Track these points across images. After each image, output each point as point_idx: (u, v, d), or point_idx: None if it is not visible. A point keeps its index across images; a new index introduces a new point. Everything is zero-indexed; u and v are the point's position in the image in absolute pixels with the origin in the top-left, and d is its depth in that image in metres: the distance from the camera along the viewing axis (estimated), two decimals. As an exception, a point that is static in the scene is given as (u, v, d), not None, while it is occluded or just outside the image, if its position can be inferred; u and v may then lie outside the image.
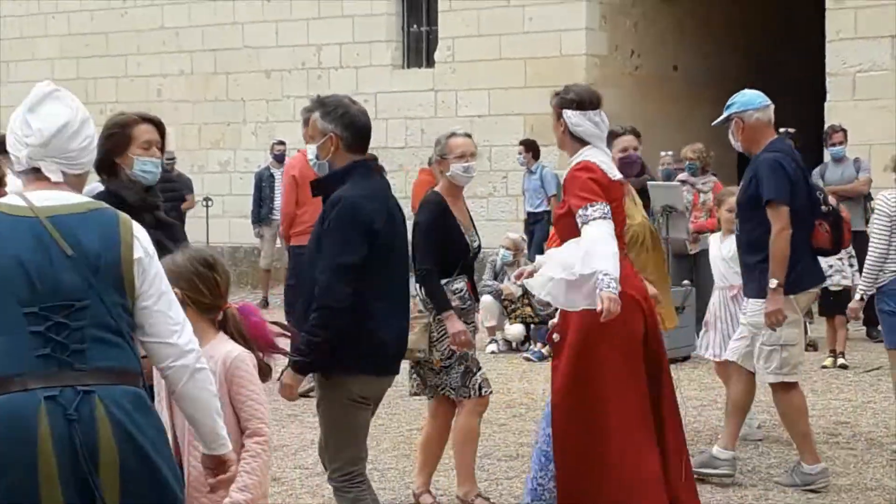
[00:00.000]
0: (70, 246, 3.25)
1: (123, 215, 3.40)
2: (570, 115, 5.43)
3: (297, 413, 8.44)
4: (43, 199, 3.32)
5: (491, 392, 6.35)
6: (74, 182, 3.42)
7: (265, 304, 14.93)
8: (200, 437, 3.52)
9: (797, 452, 6.76)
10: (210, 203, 15.52)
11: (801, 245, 6.44)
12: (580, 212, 5.22)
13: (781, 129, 12.56)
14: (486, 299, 11.24)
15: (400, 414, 8.64)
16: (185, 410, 3.47)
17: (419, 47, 16.75)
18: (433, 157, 6.72)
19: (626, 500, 5.33)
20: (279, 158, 15.01)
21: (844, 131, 12.20)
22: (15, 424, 3.13)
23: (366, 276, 4.75)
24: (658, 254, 7.10)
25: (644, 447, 5.38)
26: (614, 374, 5.33)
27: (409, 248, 5.74)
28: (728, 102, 6.63)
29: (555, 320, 5.67)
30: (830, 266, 10.34)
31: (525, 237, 13.23)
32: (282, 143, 15.47)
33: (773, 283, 6.34)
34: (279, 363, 4.41)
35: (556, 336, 5.44)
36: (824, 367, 10.31)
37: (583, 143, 5.43)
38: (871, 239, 7.10)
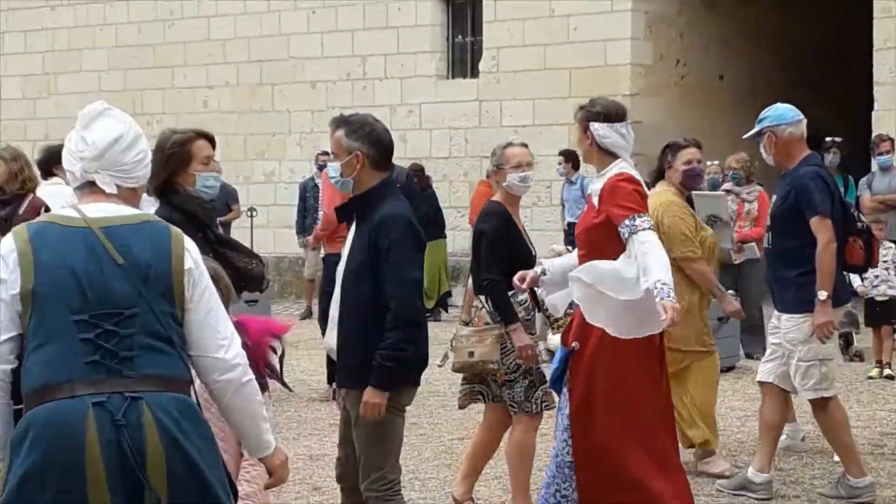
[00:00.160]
0: (121, 255, 3.32)
1: (174, 228, 3.47)
2: (598, 128, 5.44)
3: (337, 423, 8.47)
4: (96, 211, 3.40)
5: (551, 406, 6.20)
6: (128, 196, 3.49)
7: (309, 313, 15.00)
8: (246, 445, 3.60)
9: (842, 464, 6.72)
10: (255, 213, 15.63)
11: (838, 261, 6.42)
12: (626, 222, 5.21)
13: (828, 139, 12.55)
14: (528, 309, 11.23)
15: (442, 424, 8.66)
16: (230, 420, 3.53)
17: (464, 58, 16.80)
18: (490, 167, 6.73)
19: None
20: (324, 169, 15.08)
21: (892, 140, 12.13)
22: (63, 430, 3.19)
23: None
24: (714, 265, 7.23)
25: (667, 454, 5.39)
26: (636, 383, 5.34)
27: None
28: (760, 116, 6.61)
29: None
30: (877, 276, 10.28)
31: (569, 248, 13.22)
32: (326, 153, 15.52)
33: (822, 294, 6.31)
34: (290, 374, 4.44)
35: (575, 344, 5.42)
36: (870, 377, 10.24)
37: (611, 155, 5.45)
38: None
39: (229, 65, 18.04)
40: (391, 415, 4.94)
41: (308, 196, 15.22)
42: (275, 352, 4.40)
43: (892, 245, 10.50)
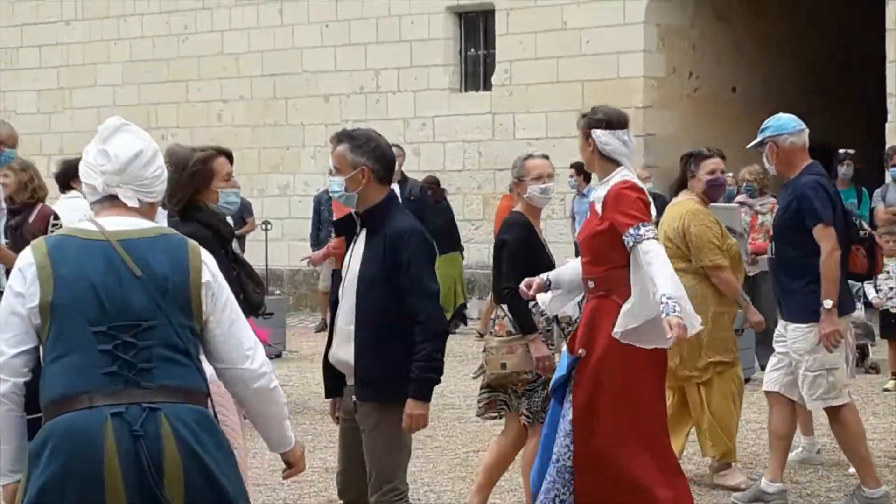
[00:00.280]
0: (139, 268, 3.35)
1: (191, 241, 3.51)
2: (600, 135, 5.46)
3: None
4: (114, 225, 3.44)
5: None
6: (147, 211, 3.54)
7: (323, 326, 15.01)
8: (269, 443, 3.69)
9: (857, 476, 6.70)
10: (269, 226, 15.65)
11: (842, 270, 6.42)
12: (631, 231, 5.22)
13: (841, 151, 12.53)
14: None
15: (457, 436, 8.66)
16: (257, 423, 3.62)
17: (476, 71, 16.83)
18: (511, 179, 6.76)
19: None
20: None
21: (906, 152, 12.09)
22: (81, 441, 3.21)
23: None
24: (739, 275, 7.25)
25: (668, 458, 5.42)
26: (643, 388, 5.36)
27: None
28: (762, 126, 6.62)
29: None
30: (891, 288, 10.26)
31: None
32: (340, 166, 15.57)
33: (827, 303, 6.31)
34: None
35: (581, 351, 5.43)
36: (886, 389, 10.21)
37: (613, 162, 5.47)
38: None
39: (243, 78, 18.10)
40: (401, 428, 4.96)
41: (322, 209, 15.23)
42: None
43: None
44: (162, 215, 5.00)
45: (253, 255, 14.60)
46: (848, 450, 6.68)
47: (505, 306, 6.18)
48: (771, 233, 6.79)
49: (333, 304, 5.17)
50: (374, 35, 17.09)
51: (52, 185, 8.73)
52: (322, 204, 15.30)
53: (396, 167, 12.69)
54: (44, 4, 19.57)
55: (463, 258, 14.93)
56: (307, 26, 17.54)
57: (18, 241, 8.09)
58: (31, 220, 8.40)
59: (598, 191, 5.52)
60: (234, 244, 5.22)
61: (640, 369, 5.32)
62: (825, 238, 6.33)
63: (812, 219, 6.35)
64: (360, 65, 17.21)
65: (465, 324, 14.67)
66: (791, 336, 6.53)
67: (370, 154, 4.98)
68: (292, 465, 3.76)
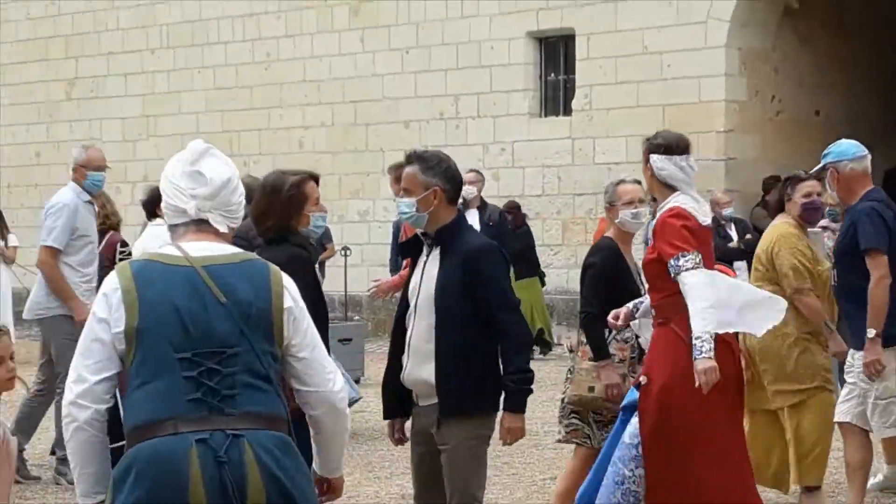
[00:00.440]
0: (223, 294, 3.37)
1: (273, 266, 3.53)
2: (656, 160, 5.53)
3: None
4: (197, 250, 3.46)
5: None
6: (227, 237, 3.57)
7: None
8: (325, 466, 3.71)
9: None
10: (349, 252, 15.76)
11: None
12: (672, 262, 5.31)
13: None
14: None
15: (534, 463, 8.64)
16: (322, 445, 3.63)
17: (556, 96, 16.83)
18: (604, 204, 6.81)
19: None
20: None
21: None
22: (167, 467, 3.25)
23: None
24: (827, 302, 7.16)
25: (747, 490, 5.41)
26: (703, 419, 5.35)
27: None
28: (824, 152, 6.65)
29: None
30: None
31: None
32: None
33: (870, 332, 6.31)
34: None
35: (643, 379, 5.47)
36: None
37: (670, 188, 5.52)
38: None
39: (324, 105, 18.25)
40: (485, 441, 5.06)
41: (402, 235, 15.32)
42: None
43: None
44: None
45: (332, 280, 14.71)
46: (850, 476, 6.65)
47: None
48: (833, 259, 6.76)
49: (397, 328, 5.19)
50: (454, 61, 17.16)
51: (136, 212, 8.87)
52: (401, 230, 15.39)
53: (475, 192, 12.87)
54: (129, 33, 19.92)
55: (544, 284, 14.88)
56: (388, 53, 17.66)
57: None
58: (100, 247, 8.57)
59: (657, 218, 5.59)
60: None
61: (692, 396, 5.30)
62: (874, 265, 6.31)
63: (864, 244, 6.33)
64: (439, 90, 17.28)
65: (550, 349, 14.60)
66: (858, 365, 6.49)
67: (441, 175, 5.05)
68: (334, 490, 3.80)
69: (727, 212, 13.46)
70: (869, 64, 17.03)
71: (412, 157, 5.13)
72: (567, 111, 16.57)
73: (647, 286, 5.66)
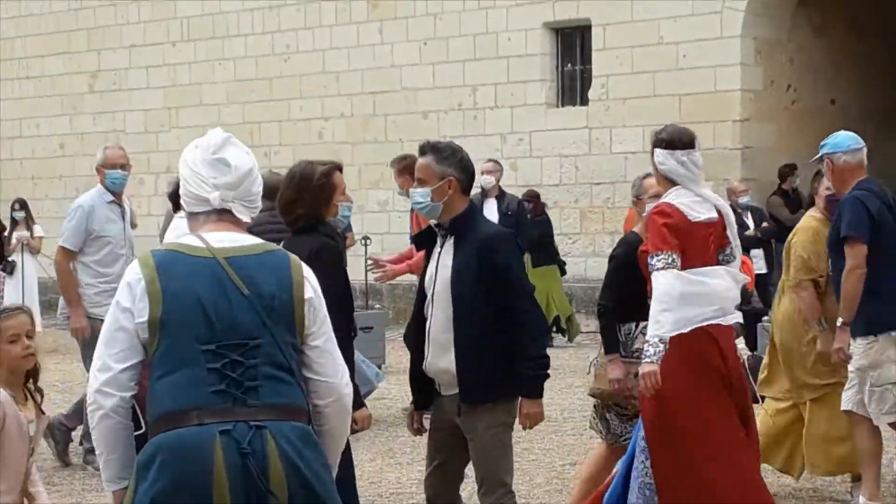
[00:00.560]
0: (246, 286, 3.36)
1: (294, 257, 3.51)
2: (658, 154, 5.53)
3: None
4: (219, 241, 3.42)
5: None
6: (245, 226, 3.54)
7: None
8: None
9: None
10: (369, 241, 15.76)
11: (889, 283, 6.36)
12: (648, 260, 5.38)
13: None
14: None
15: (553, 449, 8.64)
16: (326, 438, 3.55)
17: (573, 86, 16.80)
18: (632, 199, 6.79)
19: None
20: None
21: None
22: (192, 457, 3.25)
23: None
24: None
25: (748, 479, 5.39)
26: (693, 416, 5.37)
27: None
28: (822, 143, 6.69)
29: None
30: None
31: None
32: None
33: (838, 321, 6.38)
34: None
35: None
36: None
37: (671, 182, 5.52)
38: None
39: (343, 96, 18.26)
40: (509, 427, 5.08)
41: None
42: None
43: None
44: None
45: (353, 269, 14.65)
46: (863, 463, 6.60)
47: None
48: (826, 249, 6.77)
49: (417, 318, 5.21)
50: (471, 52, 17.14)
51: (158, 202, 8.88)
52: (421, 219, 15.39)
53: (494, 182, 12.86)
54: (151, 26, 19.96)
55: (564, 272, 14.87)
56: (406, 44, 17.65)
57: None
58: None
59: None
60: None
61: (686, 384, 5.37)
62: (851, 254, 6.35)
63: (843, 232, 6.38)
64: (457, 81, 17.27)
65: (565, 336, 14.58)
66: (854, 352, 6.48)
67: (456, 165, 5.07)
68: None
69: (744, 200, 13.42)
70: (884, 56, 16.96)
71: (426, 148, 5.14)
72: (584, 101, 16.54)
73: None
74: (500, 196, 13.01)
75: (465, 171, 5.08)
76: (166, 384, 3.31)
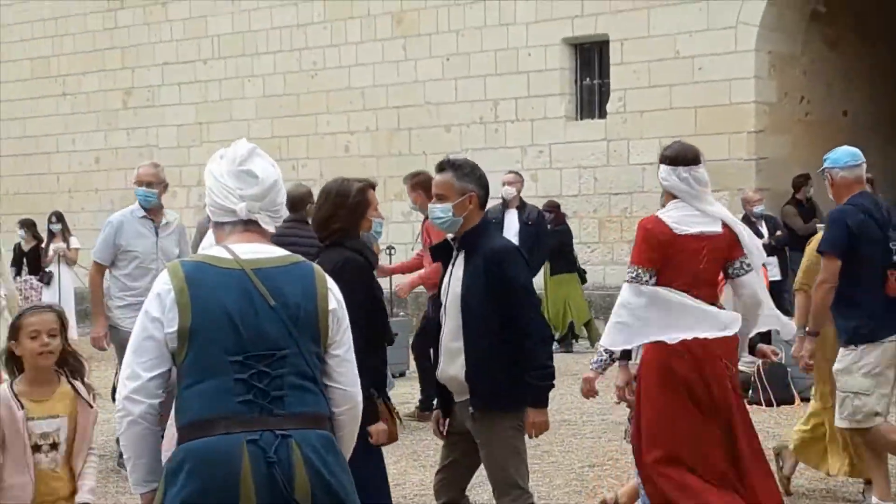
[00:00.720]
0: (273, 297, 3.35)
1: (318, 268, 3.50)
2: (661, 170, 5.61)
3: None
4: (247, 252, 3.41)
5: None
6: (269, 236, 3.54)
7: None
8: None
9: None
10: (393, 251, 15.80)
11: (875, 296, 6.37)
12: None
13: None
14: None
15: (573, 452, 8.64)
16: (341, 443, 3.56)
17: (592, 99, 16.80)
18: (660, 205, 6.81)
19: None
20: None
21: None
22: (220, 465, 3.25)
23: None
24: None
25: (681, 474, 5.44)
26: (654, 416, 5.48)
27: None
28: (825, 156, 6.75)
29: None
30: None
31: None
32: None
33: (802, 329, 6.56)
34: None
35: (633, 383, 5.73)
36: None
37: (673, 196, 5.59)
38: None
39: (369, 111, 18.31)
40: (520, 431, 5.08)
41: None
42: None
43: None
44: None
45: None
46: (870, 465, 6.64)
47: None
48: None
49: (436, 327, 5.25)
50: (492, 67, 17.17)
51: (190, 215, 8.89)
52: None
53: (515, 193, 12.87)
54: (183, 45, 20.06)
55: (584, 280, 14.87)
56: (429, 60, 17.70)
57: None
58: None
59: None
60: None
61: (660, 394, 5.47)
62: (823, 267, 6.45)
63: (819, 247, 6.50)
64: (479, 96, 17.30)
65: (577, 341, 14.57)
66: (837, 357, 6.57)
67: (476, 181, 5.14)
68: None
69: (758, 209, 13.39)
70: (893, 65, 16.91)
71: (446, 165, 5.19)
72: (602, 114, 16.54)
73: None
74: (521, 206, 13.02)
75: (484, 187, 5.16)
76: (194, 393, 3.32)
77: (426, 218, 10.01)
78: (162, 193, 8.33)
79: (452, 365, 5.10)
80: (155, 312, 3.36)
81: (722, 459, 5.48)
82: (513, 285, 4.98)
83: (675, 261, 5.45)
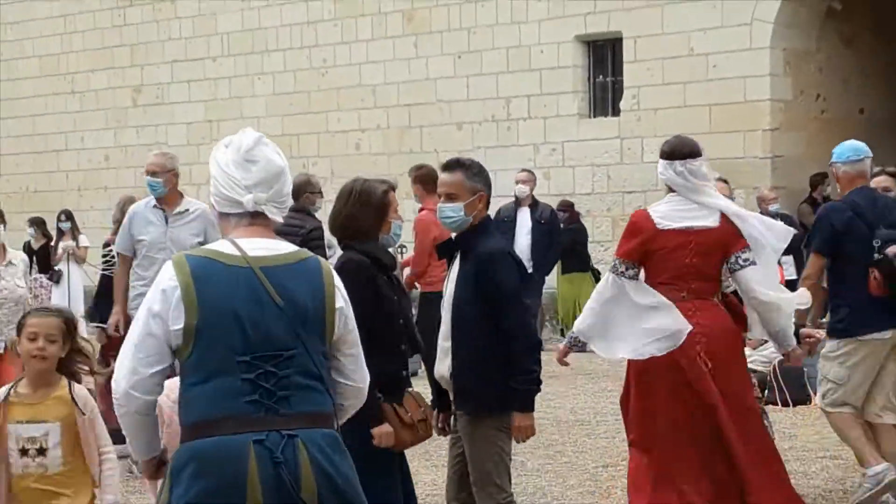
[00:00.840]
0: (280, 296, 3.31)
1: (326, 265, 3.46)
2: (660, 165, 5.68)
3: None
4: (254, 248, 3.36)
5: None
6: (274, 226, 3.49)
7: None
8: None
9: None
10: (404, 249, 15.80)
11: (858, 291, 6.45)
12: None
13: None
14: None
15: (587, 452, 8.62)
16: None
17: (605, 97, 16.77)
18: None
19: None
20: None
21: None
22: (227, 465, 3.24)
23: None
24: None
25: (660, 473, 5.50)
26: (629, 394, 5.65)
27: None
28: (833, 150, 6.85)
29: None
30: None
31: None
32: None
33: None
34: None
35: None
36: None
37: (670, 190, 5.65)
38: None
39: (380, 109, 18.30)
40: (502, 433, 5.08)
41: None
42: None
43: None
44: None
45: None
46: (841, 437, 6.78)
47: None
48: None
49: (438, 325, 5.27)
50: (504, 65, 17.15)
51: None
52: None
53: (528, 191, 12.86)
54: (192, 42, 20.08)
55: (598, 279, 14.84)
56: (440, 57, 17.68)
57: None
58: None
59: None
60: (398, 272, 5.28)
61: (641, 381, 5.58)
62: (808, 264, 6.63)
63: (805, 243, 6.74)
64: (491, 93, 17.28)
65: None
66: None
67: (484, 181, 5.19)
68: None
69: (773, 207, 13.36)
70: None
71: (454, 165, 5.22)
72: (615, 112, 16.51)
73: None
74: (534, 205, 13.01)
75: (489, 187, 5.22)
76: (200, 392, 3.29)
77: (421, 209, 10.06)
78: (171, 182, 8.26)
79: (443, 363, 5.16)
80: (158, 308, 3.31)
81: (702, 460, 5.49)
82: (501, 290, 4.99)
83: (658, 255, 5.53)
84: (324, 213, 18.22)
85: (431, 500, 7.32)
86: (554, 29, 16.70)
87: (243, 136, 3.47)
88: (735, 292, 5.78)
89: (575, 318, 14.16)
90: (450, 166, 5.22)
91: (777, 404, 9.98)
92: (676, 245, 5.51)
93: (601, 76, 16.78)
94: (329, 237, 6.24)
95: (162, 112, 20.39)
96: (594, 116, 16.75)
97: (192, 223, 8.17)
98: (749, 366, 6.04)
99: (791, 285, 12.80)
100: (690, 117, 15.47)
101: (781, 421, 9.29)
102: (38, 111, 21.82)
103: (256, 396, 3.27)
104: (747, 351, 5.91)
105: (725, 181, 6.33)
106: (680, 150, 5.59)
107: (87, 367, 4.68)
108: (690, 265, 5.52)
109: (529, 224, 12.70)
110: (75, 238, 15.63)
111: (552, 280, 14.34)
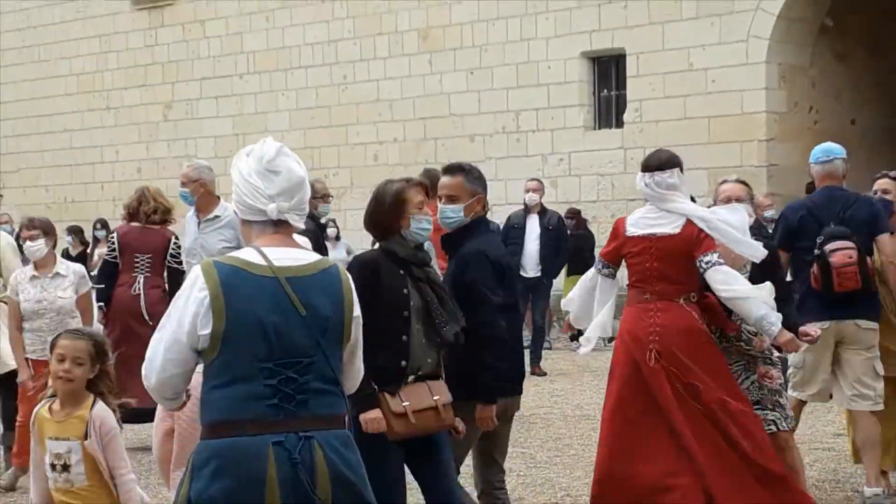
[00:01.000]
0: (303, 306, 3.29)
1: (345, 273, 3.43)
2: (638, 175, 5.79)
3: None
4: (280, 259, 3.32)
5: None
6: (294, 232, 3.48)
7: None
8: None
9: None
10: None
11: (806, 284, 6.57)
12: None
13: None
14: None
15: (592, 445, 8.57)
16: None
17: (609, 110, 16.77)
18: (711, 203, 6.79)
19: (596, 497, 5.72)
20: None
21: None
22: (247, 465, 3.23)
23: None
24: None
25: (605, 447, 5.67)
26: (613, 397, 5.74)
27: None
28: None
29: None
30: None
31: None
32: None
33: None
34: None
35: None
36: None
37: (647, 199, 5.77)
38: None
39: (397, 122, 18.33)
40: (472, 425, 5.06)
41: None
42: None
43: None
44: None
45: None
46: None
47: None
48: None
49: None
50: (514, 80, 17.17)
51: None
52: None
53: (537, 199, 12.86)
54: (220, 60, 20.14)
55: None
56: (454, 73, 17.71)
57: None
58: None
59: None
60: (433, 269, 5.18)
61: (612, 375, 5.77)
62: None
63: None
64: (501, 107, 17.30)
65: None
66: None
67: (483, 185, 5.23)
68: None
69: (769, 213, 13.33)
70: (900, 76, 16.80)
71: (455, 169, 5.23)
72: (619, 124, 16.51)
73: None
74: (542, 212, 13.02)
75: (486, 190, 5.26)
76: (223, 394, 3.28)
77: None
78: (198, 191, 8.24)
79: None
80: (188, 315, 3.28)
81: (663, 461, 5.49)
82: (472, 287, 4.99)
83: (627, 258, 5.73)
84: (342, 217, 18.12)
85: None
86: (561, 46, 16.71)
87: (264, 145, 3.44)
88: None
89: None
90: (451, 170, 5.24)
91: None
92: (640, 250, 5.65)
93: (605, 90, 16.78)
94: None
95: (191, 126, 20.45)
96: (599, 128, 16.75)
97: (222, 228, 8.09)
98: (771, 357, 5.85)
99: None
100: (690, 129, 15.47)
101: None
102: (75, 126, 21.91)
103: (276, 400, 3.26)
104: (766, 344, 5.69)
105: (745, 183, 6.17)
106: (647, 164, 5.72)
107: (108, 391, 4.58)
108: (652, 269, 5.62)
109: (538, 230, 12.72)
110: (110, 245, 15.68)
111: (559, 282, 14.34)
